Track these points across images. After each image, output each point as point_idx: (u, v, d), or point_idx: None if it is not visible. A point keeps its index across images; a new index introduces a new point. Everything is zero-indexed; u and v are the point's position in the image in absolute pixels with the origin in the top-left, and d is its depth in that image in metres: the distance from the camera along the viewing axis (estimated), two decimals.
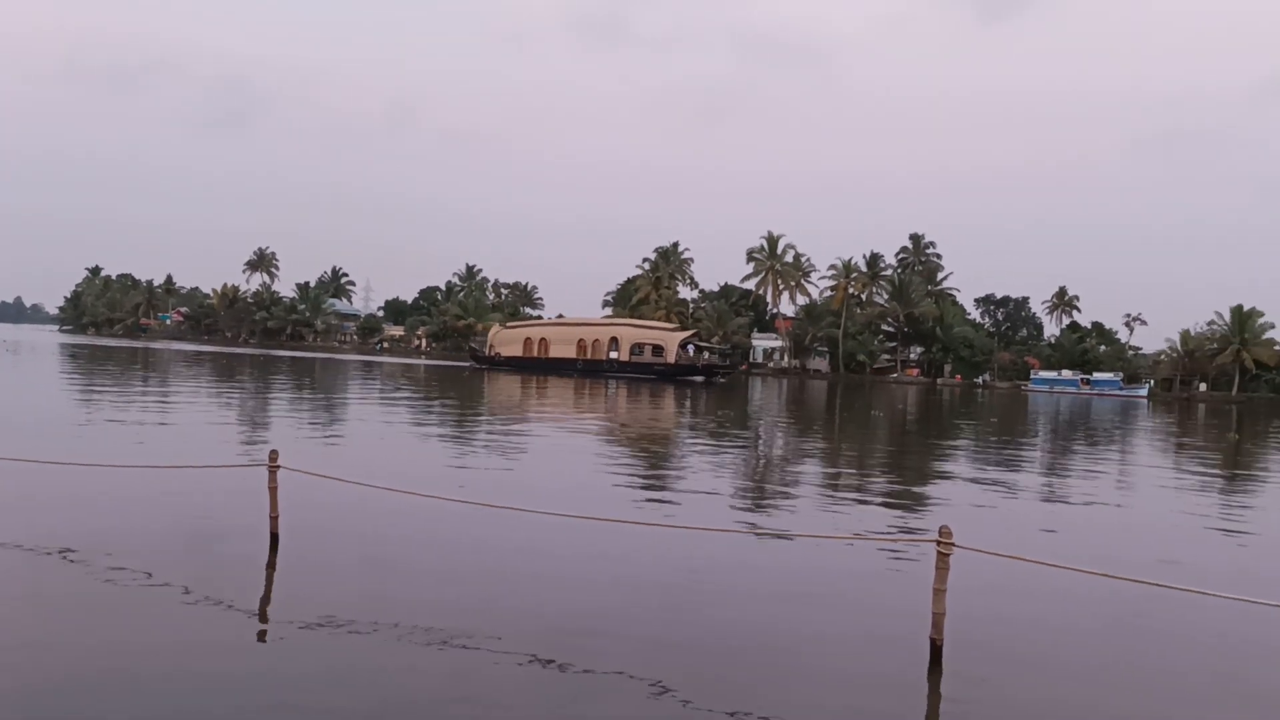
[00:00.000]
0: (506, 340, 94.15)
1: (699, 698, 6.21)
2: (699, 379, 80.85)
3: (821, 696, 6.45)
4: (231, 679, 6.21)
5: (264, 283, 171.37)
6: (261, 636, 7.21)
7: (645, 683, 6.43)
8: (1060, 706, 6.55)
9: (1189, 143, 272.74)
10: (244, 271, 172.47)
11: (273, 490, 9.60)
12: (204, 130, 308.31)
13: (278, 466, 9.56)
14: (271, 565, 9.11)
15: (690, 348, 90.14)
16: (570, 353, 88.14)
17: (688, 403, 47.11)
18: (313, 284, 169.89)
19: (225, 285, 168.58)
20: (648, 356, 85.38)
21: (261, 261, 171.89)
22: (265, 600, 8.12)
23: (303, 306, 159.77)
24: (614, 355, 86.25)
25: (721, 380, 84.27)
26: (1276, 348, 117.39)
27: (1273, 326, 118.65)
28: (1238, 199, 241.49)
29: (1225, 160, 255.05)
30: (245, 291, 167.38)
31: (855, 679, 6.87)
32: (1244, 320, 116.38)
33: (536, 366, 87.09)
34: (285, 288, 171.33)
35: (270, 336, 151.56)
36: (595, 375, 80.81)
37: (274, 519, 9.66)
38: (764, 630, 7.87)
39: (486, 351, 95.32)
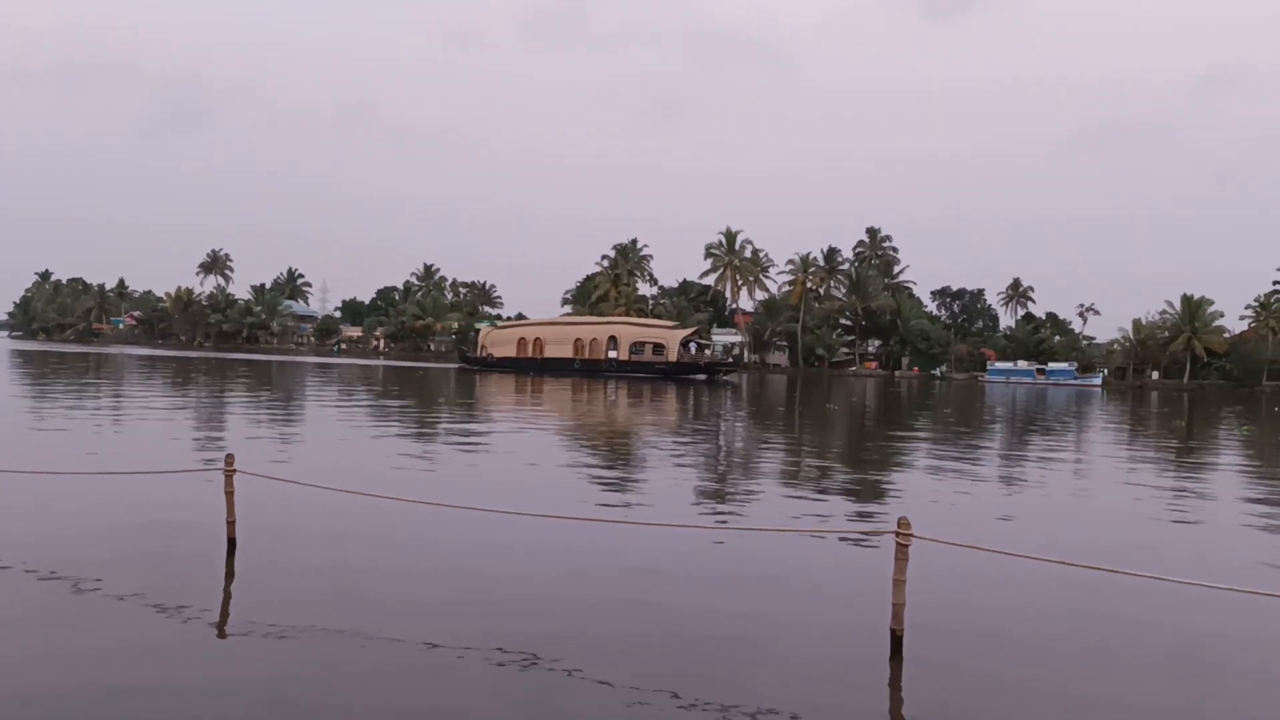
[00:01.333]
0: (499, 341, 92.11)
1: (667, 691, 6.23)
2: (701, 377, 79.55)
3: (786, 688, 6.48)
4: (193, 684, 6.15)
5: (218, 285, 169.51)
6: (222, 641, 7.13)
7: (613, 678, 6.43)
8: (1020, 691, 6.63)
9: (1135, 134, 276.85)
10: (198, 274, 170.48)
11: (229, 495, 9.50)
12: (156, 130, 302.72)
13: (234, 470, 9.46)
14: (230, 570, 9.02)
15: (692, 345, 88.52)
16: (567, 352, 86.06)
17: (690, 401, 46.84)
18: (268, 285, 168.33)
19: (179, 288, 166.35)
20: (648, 355, 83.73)
21: (215, 263, 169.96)
22: (225, 605, 8.04)
23: (258, 308, 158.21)
24: (613, 354, 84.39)
25: (725, 378, 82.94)
26: (1226, 335, 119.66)
27: (1222, 315, 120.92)
28: (1183, 189, 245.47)
29: (1170, 151, 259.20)
30: (199, 294, 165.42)
31: (819, 670, 6.91)
32: (1194, 309, 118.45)
33: (531, 367, 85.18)
34: (240, 290, 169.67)
35: (226, 339, 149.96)
36: (594, 375, 79.02)
37: (231, 523, 9.56)
38: (728, 624, 7.90)
39: (478, 353, 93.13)
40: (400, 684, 6.28)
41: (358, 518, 11.27)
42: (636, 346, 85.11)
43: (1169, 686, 6.97)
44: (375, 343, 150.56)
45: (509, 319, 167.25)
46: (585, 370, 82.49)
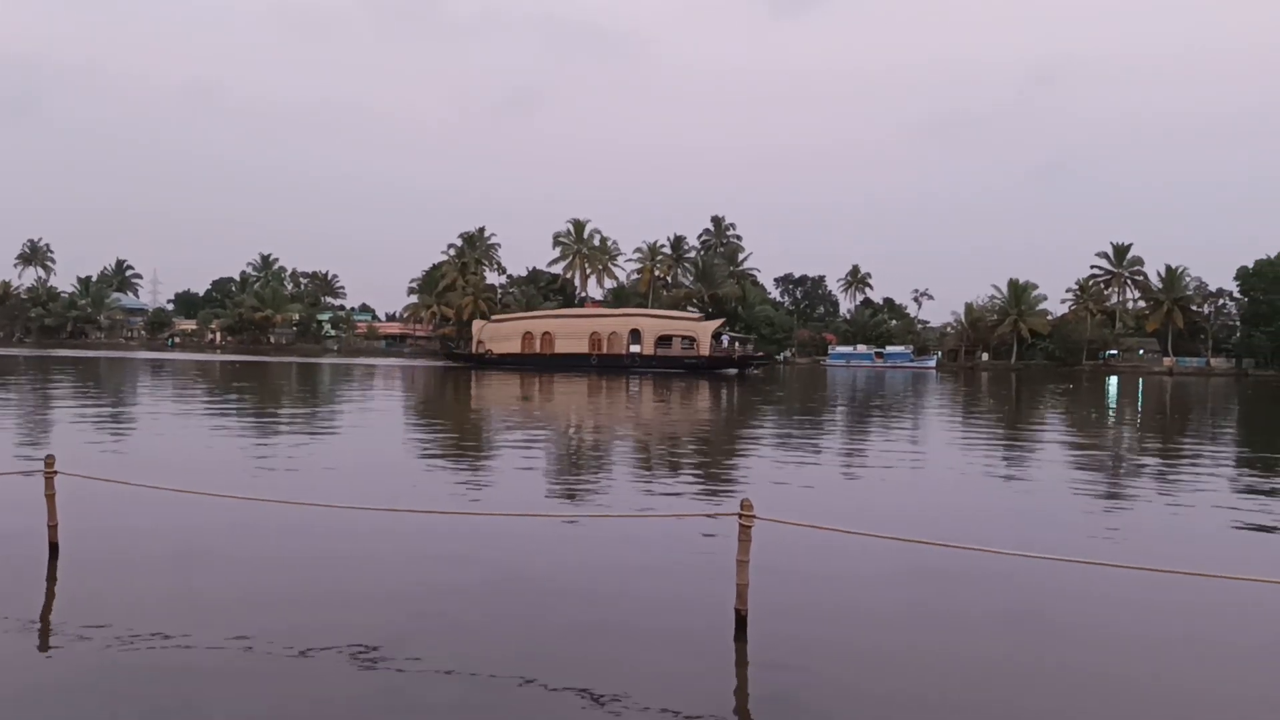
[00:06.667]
0: (498, 335, 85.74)
1: (516, 675, 6.18)
2: (733, 372, 76.27)
3: (631, 672, 6.52)
4: (12, 699, 5.80)
5: (39, 277, 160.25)
6: (44, 652, 6.75)
7: (464, 664, 6.36)
8: (861, 658, 6.85)
9: (966, 125, 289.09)
10: (15, 265, 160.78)
11: (50, 498, 8.98)
12: None
13: (55, 472, 8.96)
14: (52, 576, 8.53)
15: (724, 338, 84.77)
16: (581, 347, 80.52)
17: (723, 394, 46.09)
18: (94, 277, 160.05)
19: None
20: (677, 349, 79.50)
21: (35, 254, 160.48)
22: (46, 614, 7.60)
23: (84, 302, 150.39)
24: (636, 349, 79.40)
25: (756, 372, 79.56)
26: (1049, 317, 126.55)
27: (1045, 298, 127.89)
28: (1012, 176, 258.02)
29: (999, 141, 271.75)
30: (18, 287, 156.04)
31: (664, 653, 6.98)
32: (1019, 292, 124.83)
33: (540, 364, 78.92)
34: (64, 282, 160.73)
35: (48, 335, 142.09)
36: (615, 371, 73.96)
37: (52, 528, 9.04)
38: (578, 610, 7.91)
39: (473, 348, 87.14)
40: (244, 680, 6.06)
41: (193, 517, 10.81)
42: (663, 340, 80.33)
43: (998, 640, 7.34)
44: (211, 336, 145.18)
45: (352, 309, 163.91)
46: (605, 366, 77.07)
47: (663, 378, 66.30)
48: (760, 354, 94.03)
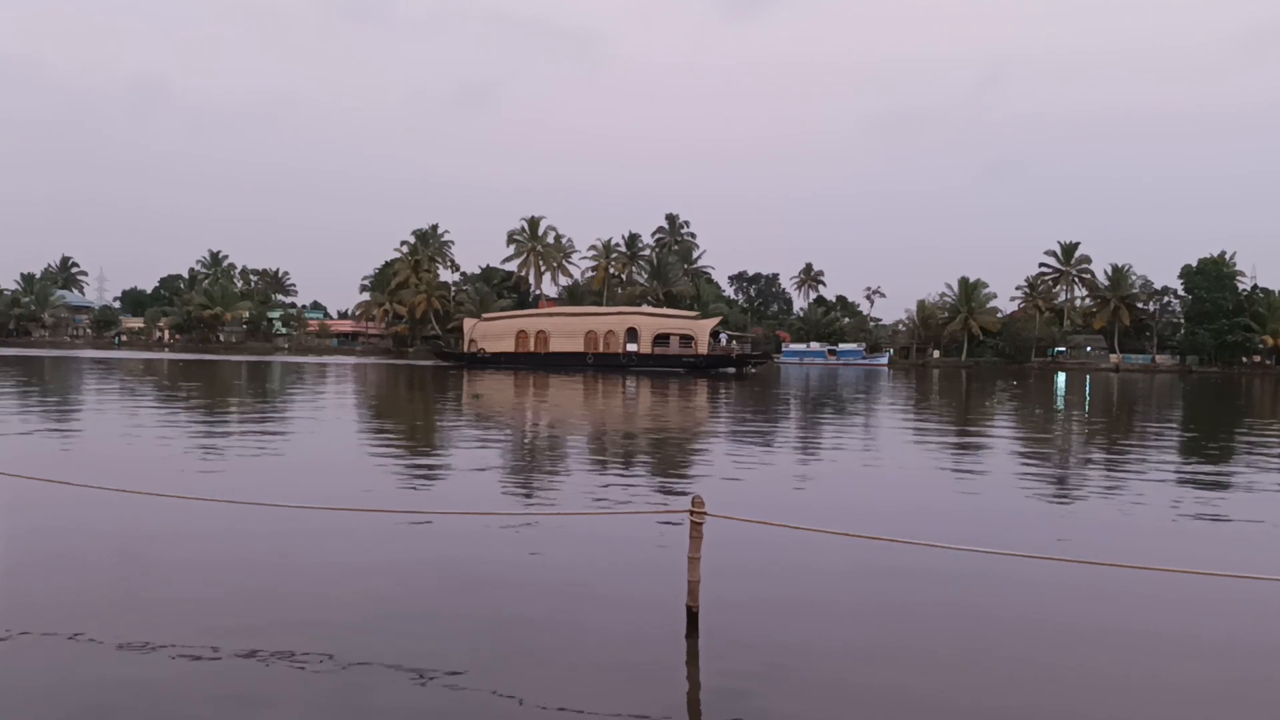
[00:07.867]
0: (491, 334, 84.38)
1: (468, 678, 6.15)
2: (731, 370, 75.99)
3: (583, 670, 6.51)
4: None
5: None
6: None
7: (414, 663, 6.31)
8: (813, 653, 6.88)
9: (919, 124, 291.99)
10: None
11: None
12: None
13: None
14: None
15: (723, 337, 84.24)
16: (576, 345, 79.55)
17: (718, 395, 45.78)
18: (38, 274, 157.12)
19: None
20: (675, 348, 78.83)
21: None
22: None
23: (27, 299, 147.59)
24: (633, 348, 78.68)
25: (754, 371, 79.22)
26: (999, 315, 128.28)
27: (995, 296, 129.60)
28: (964, 174, 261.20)
29: (952, 139, 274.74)
30: None
31: (616, 650, 6.97)
32: (970, 290, 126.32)
33: (535, 362, 78.15)
34: (7, 279, 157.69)
35: None
36: (612, 370, 73.25)
37: None
38: (531, 606, 7.87)
39: (465, 347, 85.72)
40: (196, 685, 5.96)
41: (138, 518, 10.61)
42: (661, 339, 79.52)
43: (952, 634, 7.40)
44: (159, 334, 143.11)
45: (304, 307, 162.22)
46: (601, 365, 76.54)
47: (660, 377, 65.76)
48: (758, 354, 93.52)
